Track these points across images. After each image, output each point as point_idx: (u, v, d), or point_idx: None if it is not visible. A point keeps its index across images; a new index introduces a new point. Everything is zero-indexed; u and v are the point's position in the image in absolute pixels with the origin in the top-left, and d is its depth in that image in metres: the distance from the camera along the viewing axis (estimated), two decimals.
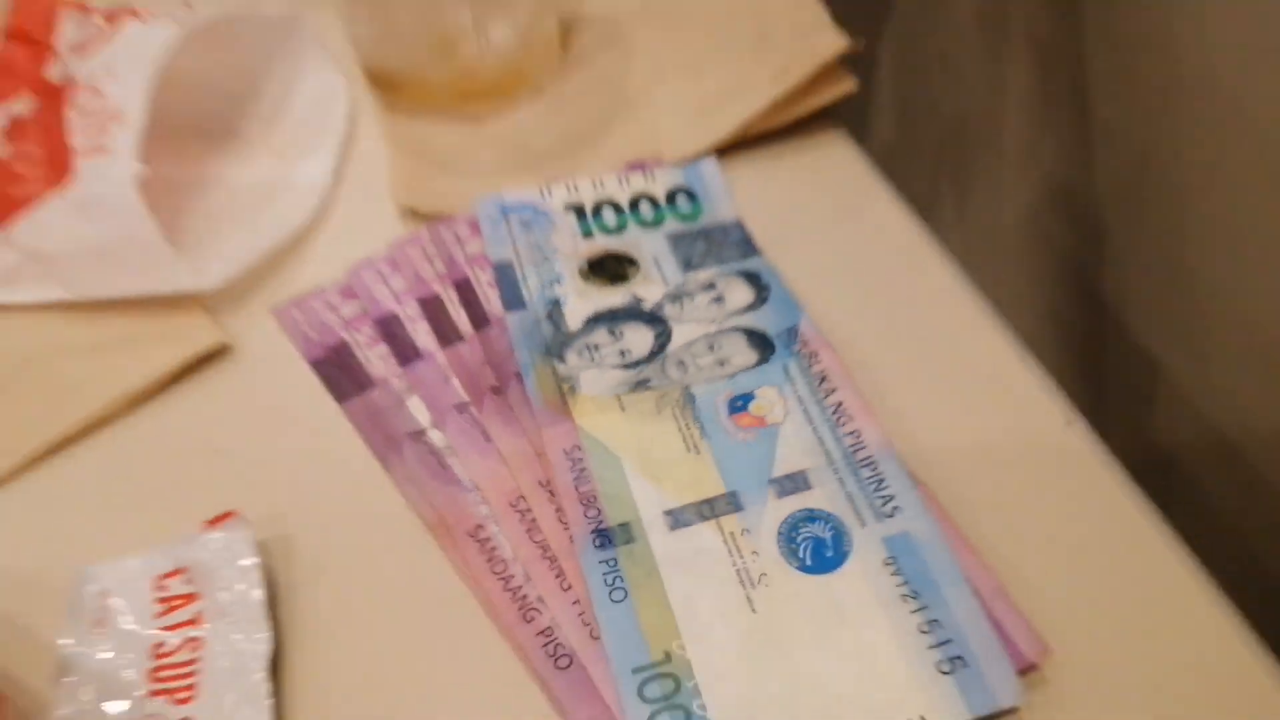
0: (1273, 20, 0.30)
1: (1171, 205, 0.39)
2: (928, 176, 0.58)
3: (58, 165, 0.29)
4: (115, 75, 0.29)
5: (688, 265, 0.28)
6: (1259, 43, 0.31)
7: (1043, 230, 0.49)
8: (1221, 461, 0.39)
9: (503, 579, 0.23)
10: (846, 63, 0.32)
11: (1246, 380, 0.37)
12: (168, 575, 0.23)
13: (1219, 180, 0.36)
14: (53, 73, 0.32)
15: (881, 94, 0.60)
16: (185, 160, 0.31)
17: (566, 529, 0.23)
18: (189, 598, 0.23)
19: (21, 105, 0.32)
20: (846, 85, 0.32)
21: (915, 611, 0.21)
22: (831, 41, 0.32)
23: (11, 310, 0.28)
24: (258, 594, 0.22)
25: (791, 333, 0.26)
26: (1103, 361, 0.47)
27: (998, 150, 0.51)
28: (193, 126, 0.32)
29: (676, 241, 0.29)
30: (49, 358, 0.27)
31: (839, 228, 0.30)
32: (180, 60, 0.30)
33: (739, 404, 0.25)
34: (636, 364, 0.26)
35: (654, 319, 0.27)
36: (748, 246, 0.29)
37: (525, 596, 0.22)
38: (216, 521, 0.23)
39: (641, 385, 0.25)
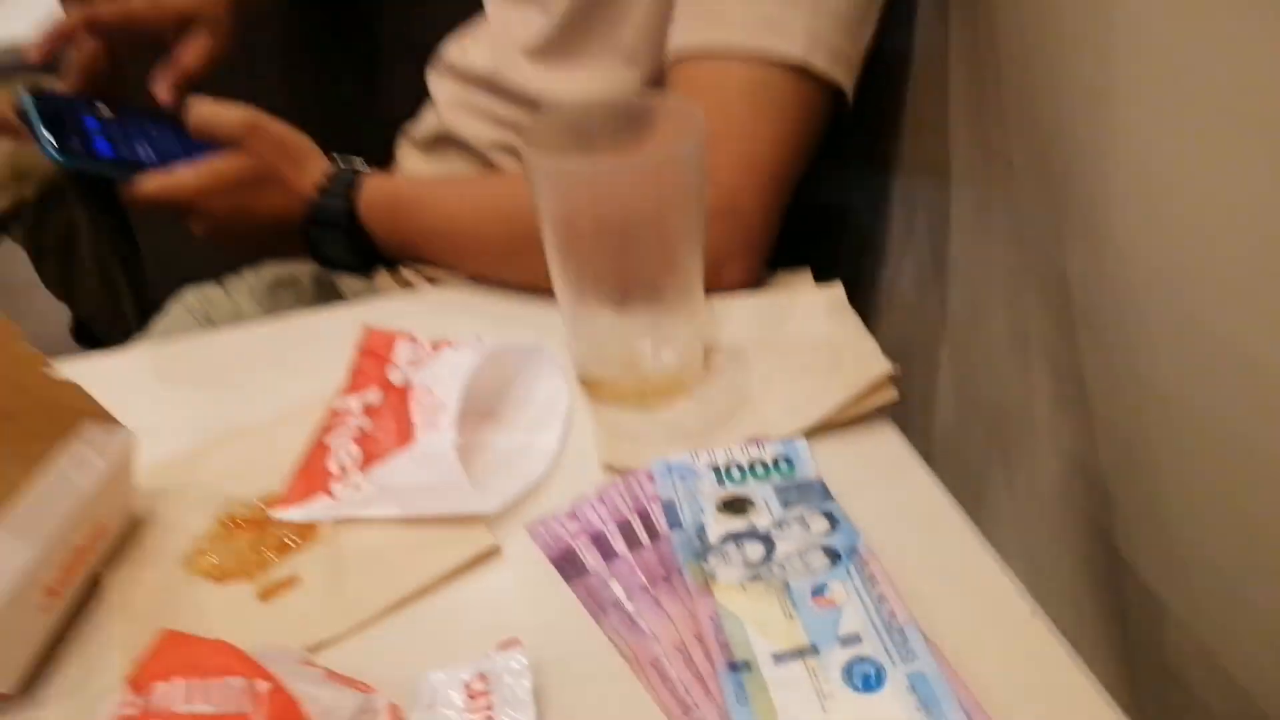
0: (1201, 348, 0.46)
1: (1152, 481, 0.54)
2: (980, 449, 0.74)
3: (404, 435, 0.48)
4: (440, 382, 0.49)
5: (786, 505, 0.45)
6: (1199, 366, 0.47)
7: (1067, 491, 0.63)
8: (1208, 674, 0.51)
9: (671, 690, 0.38)
10: (894, 379, 0.49)
11: (1226, 615, 0.49)
12: (474, 679, 0.38)
13: (1175, 464, 0.51)
14: (393, 376, 0.52)
15: (942, 388, 0.77)
16: (472, 431, 0.50)
17: (710, 662, 0.38)
18: (486, 694, 0.38)
19: (372, 395, 0.52)
20: (891, 395, 0.49)
21: (925, 717, 0.35)
22: (881, 366, 0.49)
23: (370, 522, 0.46)
24: (527, 691, 0.38)
25: (852, 550, 0.42)
26: (1121, 598, 0.59)
27: (1030, 431, 0.67)
28: (475, 410, 0.51)
29: (779, 490, 0.45)
30: (393, 550, 0.45)
31: (884, 484, 0.46)
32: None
33: (818, 591, 0.40)
34: (754, 566, 0.42)
35: (765, 539, 0.43)
36: (825, 495, 0.45)
37: (685, 701, 0.37)
38: (505, 645, 0.39)
39: (757, 579, 0.41)
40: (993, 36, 0.62)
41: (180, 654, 0.33)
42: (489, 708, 0.37)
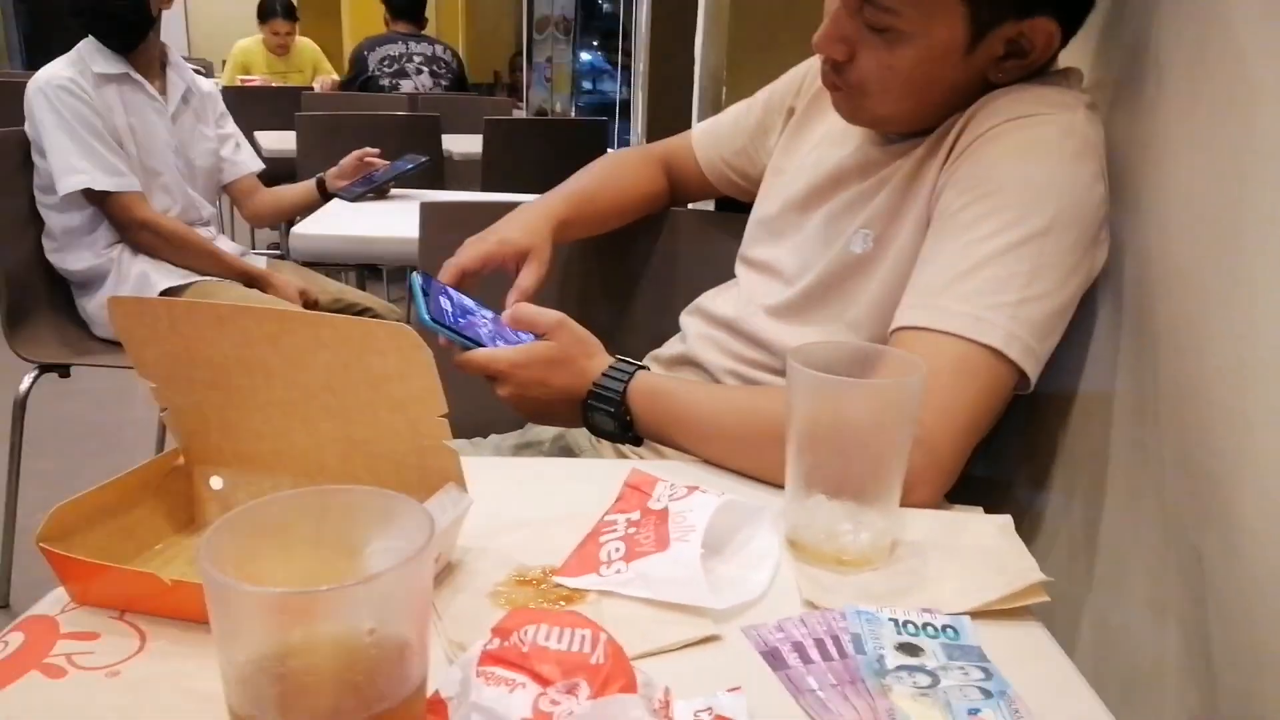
0: None
1: None
2: (1113, 707, 0.81)
3: (661, 543, 0.64)
4: (692, 511, 0.66)
5: (950, 658, 0.57)
6: None
7: None
8: None
9: None
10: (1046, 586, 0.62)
11: None
12: (704, 710, 0.51)
13: None
14: (653, 505, 0.69)
15: (1081, 647, 0.86)
16: (704, 558, 0.65)
17: None
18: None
19: (634, 515, 0.69)
20: (1042, 596, 0.61)
21: None
22: (1036, 575, 0.62)
23: (625, 598, 0.62)
24: None
25: (1003, 693, 0.53)
26: None
27: (1159, 694, 0.75)
28: (707, 544, 0.66)
29: (944, 647, 0.58)
30: (640, 620, 0.60)
31: (1030, 662, 0.58)
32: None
33: (973, 711, 0.52)
34: (922, 689, 0.54)
35: (931, 674, 0.55)
36: (983, 658, 0.57)
37: None
38: (731, 690, 0.52)
39: (924, 696, 0.53)
40: (1155, 363, 0.78)
41: (534, 616, 0.48)
42: None
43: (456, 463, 0.63)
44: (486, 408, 0.94)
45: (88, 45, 1.95)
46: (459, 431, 1.19)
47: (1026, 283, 0.76)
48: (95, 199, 1.91)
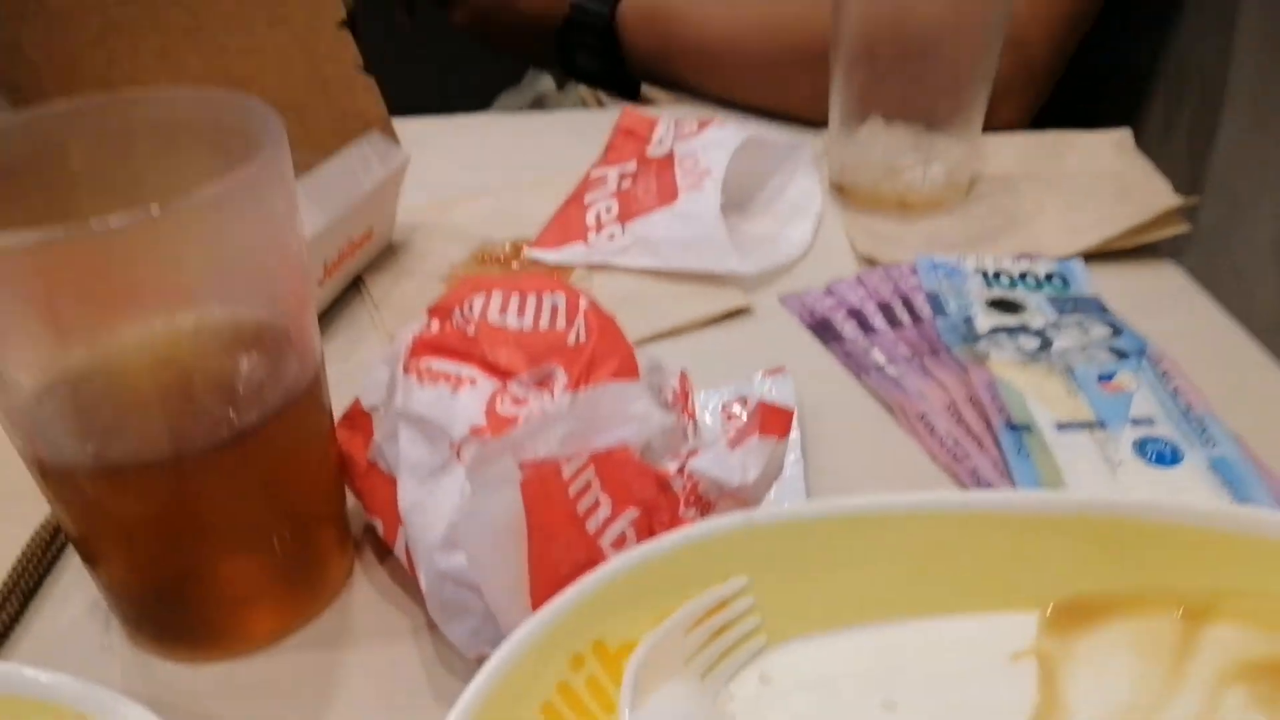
0: None
1: None
2: None
3: (666, 195, 0.48)
4: (706, 151, 0.49)
5: (1061, 313, 0.42)
6: None
7: None
8: None
9: (939, 442, 0.36)
10: (1182, 213, 0.46)
11: None
12: (734, 402, 0.38)
13: None
14: (652, 152, 0.52)
15: None
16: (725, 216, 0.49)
17: (984, 420, 0.36)
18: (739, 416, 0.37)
19: (629, 167, 0.52)
20: (1180, 227, 0.46)
21: (1230, 495, 0.32)
22: (1171, 199, 0.46)
23: (624, 271, 0.47)
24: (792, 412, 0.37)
25: (1141, 351, 0.39)
26: None
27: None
28: (727, 200, 0.50)
29: (1052, 300, 0.43)
30: (644, 297, 0.45)
31: (1166, 310, 0.43)
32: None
33: (1105, 377, 0.38)
34: (1030, 354, 0.40)
35: (1040, 334, 0.41)
36: (1104, 310, 0.42)
37: (955, 453, 0.36)
38: (771, 372, 0.38)
39: (1035, 362, 0.39)
40: None
41: (485, 283, 0.33)
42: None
43: (376, 100, 0.46)
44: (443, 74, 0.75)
45: None
46: (413, 108, 1.01)
47: None
48: None
